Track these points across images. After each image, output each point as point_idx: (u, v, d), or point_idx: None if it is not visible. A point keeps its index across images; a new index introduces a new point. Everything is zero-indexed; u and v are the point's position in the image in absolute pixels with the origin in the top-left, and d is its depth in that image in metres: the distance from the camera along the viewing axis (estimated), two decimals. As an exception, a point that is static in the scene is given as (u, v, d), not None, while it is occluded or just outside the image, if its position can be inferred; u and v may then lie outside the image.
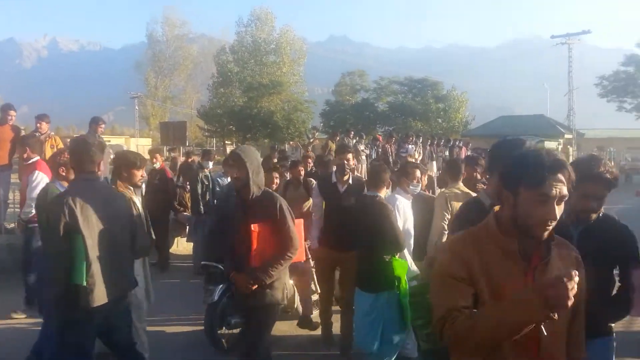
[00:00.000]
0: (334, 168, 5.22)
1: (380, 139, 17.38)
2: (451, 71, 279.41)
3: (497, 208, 1.76)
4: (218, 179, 8.17)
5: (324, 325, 5.12)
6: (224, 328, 4.87)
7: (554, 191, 1.56)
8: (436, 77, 48.62)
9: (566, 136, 39.32)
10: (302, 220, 3.68)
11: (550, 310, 1.39)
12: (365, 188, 4.77)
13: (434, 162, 16.77)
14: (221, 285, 4.69)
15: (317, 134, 28.91)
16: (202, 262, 5.03)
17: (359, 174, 8.13)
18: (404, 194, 4.57)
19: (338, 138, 14.88)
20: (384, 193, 4.21)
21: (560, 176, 1.58)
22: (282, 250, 3.31)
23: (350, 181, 4.97)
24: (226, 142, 42.80)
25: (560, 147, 31.88)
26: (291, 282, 5.61)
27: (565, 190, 1.58)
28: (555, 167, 1.57)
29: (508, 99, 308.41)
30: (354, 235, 4.24)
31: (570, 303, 1.38)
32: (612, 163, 34.50)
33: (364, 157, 13.90)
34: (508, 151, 2.40)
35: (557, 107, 47.61)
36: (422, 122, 41.01)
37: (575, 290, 1.38)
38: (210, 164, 8.43)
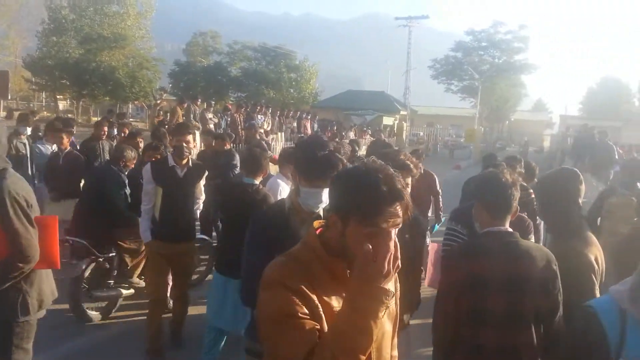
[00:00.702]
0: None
1: (231, 107, 17.17)
2: (305, 41, 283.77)
3: (316, 223, 1.59)
4: (40, 146, 7.36)
5: (154, 332, 4.46)
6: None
7: (386, 225, 1.39)
8: (290, 46, 49.14)
9: (402, 112, 43.04)
10: (56, 217, 2.86)
11: (387, 277, 1.34)
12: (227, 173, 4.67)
13: (282, 134, 17.16)
14: (86, 260, 4.90)
15: (165, 95, 27.37)
16: (65, 237, 4.83)
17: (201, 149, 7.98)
18: (285, 179, 4.50)
19: (185, 105, 14.35)
20: (259, 180, 4.10)
21: (397, 207, 1.41)
22: (9, 258, 2.56)
23: (191, 164, 4.48)
24: (58, 97, 38.37)
25: (396, 122, 34.80)
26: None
27: (399, 221, 1.43)
28: (392, 199, 1.40)
29: (358, 73, 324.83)
30: (228, 225, 4.10)
31: (397, 258, 1.36)
32: (440, 138, 39.00)
33: (211, 126, 13.64)
34: (308, 152, 2.41)
35: (397, 84, 51.64)
36: (275, 90, 41.36)
37: (393, 246, 1.36)
38: (28, 129, 7.43)
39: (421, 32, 55.60)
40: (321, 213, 2.38)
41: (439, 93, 57.83)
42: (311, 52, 55.87)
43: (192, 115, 13.38)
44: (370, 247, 1.35)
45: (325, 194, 2.25)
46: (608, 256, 4.79)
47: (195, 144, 5.54)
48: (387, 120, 37.42)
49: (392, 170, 1.47)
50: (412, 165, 2.62)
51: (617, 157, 13.46)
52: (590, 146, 14.14)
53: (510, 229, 2.22)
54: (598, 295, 2.37)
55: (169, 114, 13.51)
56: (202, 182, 4.70)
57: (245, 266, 2.53)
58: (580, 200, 2.65)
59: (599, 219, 5.26)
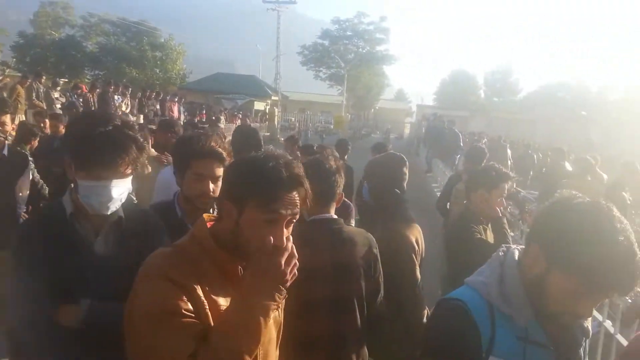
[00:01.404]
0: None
1: (85, 88, 15.63)
2: (170, 19, 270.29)
3: (207, 216, 1.46)
4: None
5: None
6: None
7: (284, 212, 1.34)
8: (155, 24, 46.32)
9: (273, 98, 43.16)
10: None
11: (283, 277, 1.30)
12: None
13: (142, 116, 16.13)
14: None
15: (8, 70, 24.06)
16: None
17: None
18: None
19: (28, 82, 12.74)
20: None
21: (296, 194, 1.37)
22: None
23: (6, 152, 3.67)
24: None
25: (268, 107, 34.78)
26: None
27: (297, 210, 1.38)
28: (292, 185, 1.36)
29: (230, 57, 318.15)
30: None
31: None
32: (310, 124, 39.88)
33: (58, 106, 12.30)
34: (82, 130, 1.68)
35: (269, 69, 51.62)
36: (138, 70, 38.72)
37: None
38: None
39: (292, 18, 56.13)
40: (121, 215, 1.77)
41: (309, 80, 59.04)
42: (178, 31, 53.31)
43: (34, 94, 11.93)
44: (272, 239, 1.29)
45: (117, 189, 1.67)
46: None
47: (14, 126, 4.73)
48: (259, 105, 37.29)
49: (291, 158, 1.42)
50: (224, 153, 2.25)
51: (462, 144, 14.91)
52: (440, 134, 15.47)
53: (335, 216, 2.24)
54: (418, 274, 2.53)
55: (5, 93, 11.85)
56: (26, 178, 3.84)
57: (9, 317, 1.72)
58: (404, 184, 2.77)
59: (448, 204, 5.56)
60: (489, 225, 3.14)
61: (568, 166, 8.88)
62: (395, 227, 2.56)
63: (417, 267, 2.53)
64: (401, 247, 2.49)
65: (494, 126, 41.62)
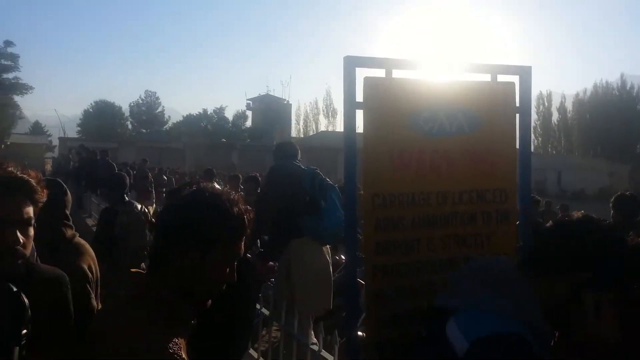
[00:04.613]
0: None
1: None
2: None
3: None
4: None
5: None
6: None
7: None
8: None
9: None
10: None
11: None
12: None
13: None
14: None
15: None
16: None
17: None
18: None
19: None
20: None
21: None
22: None
23: None
24: None
25: None
26: None
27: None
28: None
29: None
30: None
31: None
32: None
33: None
34: None
35: None
36: None
37: None
38: None
39: None
40: None
41: None
42: None
43: None
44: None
45: None
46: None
47: None
48: None
49: None
50: None
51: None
52: (94, 166, 14.94)
53: None
54: (95, 303, 2.30)
55: None
56: None
57: None
58: (67, 211, 2.55)
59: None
60: None
61: (216, 185, 10.15)
62: (61, 256, 2.23)
63: (93, 297, 2.32)
64: (71, 276, 2.10)
65: (143, 156, 42.19)
